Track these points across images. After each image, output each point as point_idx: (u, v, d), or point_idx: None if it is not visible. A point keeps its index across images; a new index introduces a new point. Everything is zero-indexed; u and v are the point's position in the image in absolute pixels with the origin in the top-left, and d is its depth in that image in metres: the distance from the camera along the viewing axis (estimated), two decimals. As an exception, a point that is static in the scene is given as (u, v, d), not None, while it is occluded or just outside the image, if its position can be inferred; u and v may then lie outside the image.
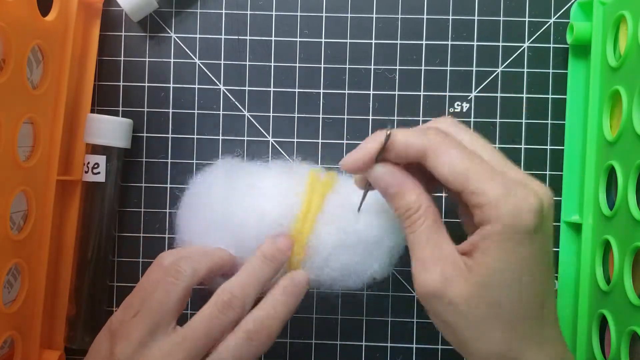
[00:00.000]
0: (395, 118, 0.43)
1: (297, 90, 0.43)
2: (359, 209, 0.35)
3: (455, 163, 0.29)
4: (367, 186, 0.34)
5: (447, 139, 0.30)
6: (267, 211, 0.35)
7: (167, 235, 0.43)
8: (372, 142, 0.31)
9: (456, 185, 0.29)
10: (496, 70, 0.43)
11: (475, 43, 0.43)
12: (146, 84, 0.44)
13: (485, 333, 0.29)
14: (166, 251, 0.36)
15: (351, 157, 0.32)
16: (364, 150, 0.31)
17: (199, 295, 0.37)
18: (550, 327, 0.30)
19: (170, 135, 0.44)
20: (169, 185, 0.43)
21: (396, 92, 0.43)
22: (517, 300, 0.29)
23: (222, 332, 0.32)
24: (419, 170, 0.31)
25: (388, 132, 0.30)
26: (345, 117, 0.43)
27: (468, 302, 0.29)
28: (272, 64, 0.43)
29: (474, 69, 0.43)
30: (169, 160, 0.43)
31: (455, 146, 0.30)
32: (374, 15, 0.43)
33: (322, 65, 0.43)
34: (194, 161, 0.43)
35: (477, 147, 0.31)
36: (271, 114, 0.43)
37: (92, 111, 0.43)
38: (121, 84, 0.44)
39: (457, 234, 0.43)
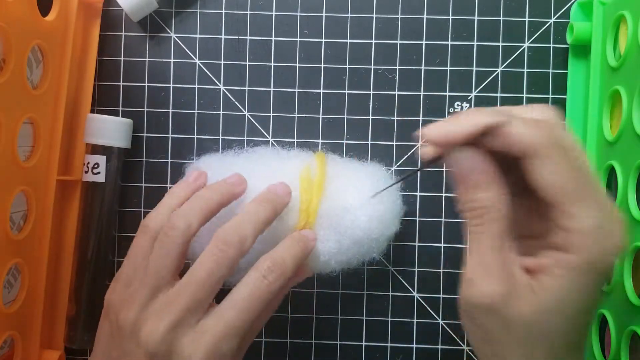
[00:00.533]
0: (395, 118, 0.43)
1: (297, 90, 0.43)
2: (373, 195, 0.36)
3: (559, 174, 0.26)
4: (426, 164, 0.30)
5: (559, 143, 0.26)
6: None
7: (167, 235, 0.43)
8: (474, 122, 0.27)
9: (551, 198, 0.26)
10: (496, 70, 0.43)
11: (475, 43, 0.43)
12: (146, 84, 0.44)
13: (529, 356, 0.27)
14: (149, 215, 0.35)
15: (442, 128, 0.28)
16: (461, 127, 0.27)
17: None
18: (582, 353, 0.29)
19: (170, 135, 0.44)
20: (169, 185, 0.43)
21: (396, 92, 0.43)
22: (572, 331, 0.27)
23: (224, 271, 0.32)
24: (500, 166, 0.28)
25: (498, 120, 0.27)
26: (345, 117, 0.43)
27: (523, 324, 0.27)
28: (272, 64, 0.43)
29: (474, 69, 0.43)
30: (169, 160, 0.43)
31: (564, 155, 0.26)
32: (374, 15, 0.43)
33: (322, 65, 0.43)
34: (194, 161, 0.43)
35: (580, 159, 0.27)
36: (271, 114, 0.43)
37: (92, 111, 0.43)
38: (121, 84, 0.44)
39: (457, 235, 0.43)
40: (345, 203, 0.36)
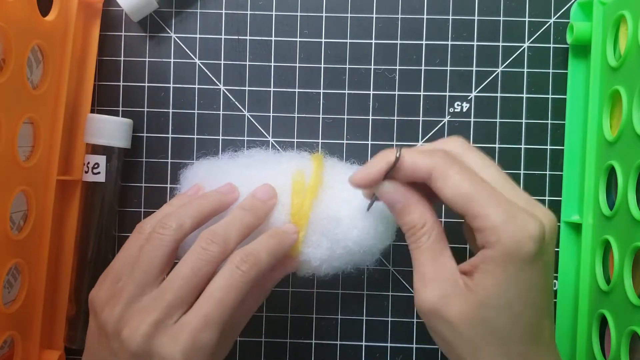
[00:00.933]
0: (395, 118, 0.43)
1: (297, 90, 0.43)
2: (368, 208, 0.36)
3: (458, 186, 0.30)
4: (372, 200, 0.35)
5: (453, 162, 0.30)
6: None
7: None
8: (381, 162, 0.32)
9: (459, 209, 0.30)
10: (496, 70, 0.43)
11: (475, 43, 0.43)
12: (146, 84, 0.44)
13: (480, 352, 0.30)
14: (145, 219, 0.35)
15: (360, 174, 0.32)
16: (373, 169, 0.32)
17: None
18: (546, 349, 0.31)
19: (170, 135, 0.44)
20: (169, 185, 0.43)
21: (396, 92, 0.43)
22: (513, 322, 0.29)
23: (207, 269, 0.32)
24: (427, 187, 0.32)
25: (398, 154, 0.31)
26: (345, 117, 0.43)
27: (465, 321, 0.29)
28: (272, 64, 0.43)
29: (474, 69, 0.43)
30: (169, 160, 0.43)
31: (459, 170, 0.30)
32: (374, 15, 0.43)
33: (322, 65, 0.43)
34: (194, 161, 0.43)
35: (485, 169, 0.31)
36: (271, 114, 0.43)
37: (92, 111, 0.43)
38: (121, 84, 0.44)
39: (456, 236, 0.43)
40: (338, 213, 0.36)
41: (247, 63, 0.43)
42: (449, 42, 0.43)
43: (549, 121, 0.43)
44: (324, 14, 0.43)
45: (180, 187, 0.40)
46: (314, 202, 0.36)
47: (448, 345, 0.31)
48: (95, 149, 0.41)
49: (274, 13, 0.43)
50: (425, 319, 0.31)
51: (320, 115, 0.43)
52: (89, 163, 0.41)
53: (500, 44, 0.43)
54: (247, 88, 0.43)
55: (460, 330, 0.29)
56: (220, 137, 0.43)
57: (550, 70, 0.43)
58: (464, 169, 0.30)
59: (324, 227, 0.36)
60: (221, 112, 0.43)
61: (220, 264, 0.33)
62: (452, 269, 0.31)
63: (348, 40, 0.43)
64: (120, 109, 0.44)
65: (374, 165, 0.32)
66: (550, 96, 0.43)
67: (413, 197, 0.32)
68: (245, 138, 0.43)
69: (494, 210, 0.29)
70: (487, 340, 0.29)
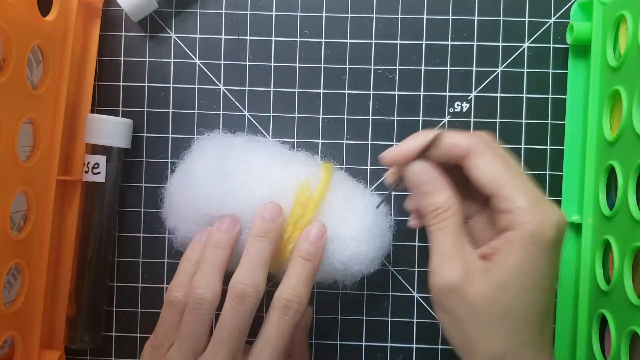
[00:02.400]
0: (395, 118, 0.43)
1: (297, 90, 0.43)
2: (377, 206, 0.37)
3: (493, 167, 0.31)
4: (393, 185, 0.36)
5: (490, 145, 0.32)
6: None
7: (167, 235, 0.43)
8: (418, 139, 0.33)
9: (489, 188, 0.31)
10: (496, 70, 0.43)
11: (475, 43, 0.43)
12: (146, 84, 0.44)
13: (493, 333, 0.30)
14: (172, 285, 0.36)
15: (393, 151, 0.34)
16: (408, 146, 0.33)
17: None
18: (547, 336, 0.32)
19: (170, 135, 0.44)
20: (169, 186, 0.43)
21: (396, 92, 0.43)
22: (529, 305, 0.30)
23: (247, 322, 0.34)
24: (452, 176, 0.33)
25: (437, 132, 0.33)
26: (345, 117, 0.43)
27: (484, 301, 0.30)
28: (272, 64, 0.43)
29: (474, 69, 0.43)
30: (169, 160, 0.43)
31: (495, 153, 0.32)
32: (374, 15, 0.43)
33: (322, 65, 0.43)
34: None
35: (511, 161, 0.33)
36: (271, 114, 0.43)
37: (92, 111, 0.43)
38: (121, 84, 0.44)
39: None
40: (334, 232, 0.36)
41: (247, 63, 0.43)
42: (449, 42, 0.43)
43: (549, 121, 0.43)
44: (324, 14, 0.43)
45: (188, 157, 0.39)
46: (313, 216, 0.36)
47: (459, 325, 0.31)
48: (95, 149, 0.41)
49: (274, 13, 0.43)
50: (440, 298, 0.31)
51: (320, 115, 0.43)
52: (89, 163, 0.41)
53: (500, 44, 0.43)
54: (247, 88, 0.43)
55: (478, 309, 0.30)
56: (220, 137, 0.43)
57: (550, 70, 0.43)
58: (497, 153, 0.32)
59: None
60: (221, 112, 0.43)
61: (255, 309, 0.34)
62: (472, 252, 0.32)
63: (348, 40, 0.43)
64: (120, 109, 0.44)
65: (409, 142, 0.34)
66: (550, 96, 0.43)
67: (442, 179, 0.33)
68: (245, 138, 0.43)
69: (523, 194, 0.30)
70: (501, 322, 0.30)
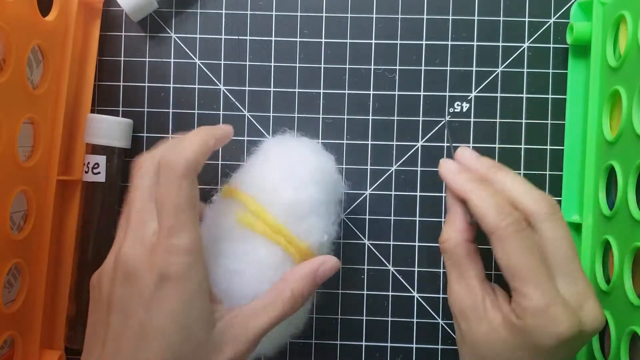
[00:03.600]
0: (395, 118, 0.43)
1: (297, 90, 0.43)
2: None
3: (513, 256, 0.31)
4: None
5: (519, 229, 0.31)
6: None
7: (167, 235, 0.43)
8: (455, 213, 0.35)
9: (506, 276, 0.31)
10: (496, 70, 0.43)
11: (475, 43, 0.43)
12: (146, 84, 0.44)
13: None
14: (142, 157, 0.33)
15: (450, 168, 0.36)
16: (462, 222, 0.35)
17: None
18: None
19: (170, 136, 0.44)
20: (169, 185, 0.43)
21: (396, 92, 0.43)
22: None
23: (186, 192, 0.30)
24: None
25: (472, 218, 0.34)
26: (345, 117, 0.43)
27: (473, 342, 0.33)
28: (272, 64, 0.43)
29: (474, 69, 0.43)
30: (169, 160, 0.43)
31: (520, 238, 0.31)
32: (374, 15, 0.43)
33: (322, 65, 0.43)
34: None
35: (557, 242, 0.32)
36: (271, 114, 0.43)
37: (92, 111, 0.43)
38: (121, 84, 0.44)
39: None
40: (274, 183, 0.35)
41: (247, 63, 0.43)
42: (449, 42, 0.43)
43: (549, 121, 0.43)
44: (324, 14, 0.43)
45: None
46: (267, 213, 0.35)
47: (460, 346, 0.35)
48: (95, 149, 0.41)
49: (274, 13, 0.43)
50: (452, 314, 0.34)
51: (320, 115, 0.43)
52: (89, 163, 0.41)
53: (500, 44, 0.43)
54: (247, 88, 0.43)
55: (468, 345, 0.33)
56: (220, 137, 0.43)
57: (550, 70, 0.43)
58: (525, 237, 0.31)
59: (290, 205, 0.35)
60: (221, 112, 0.43)
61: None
62: (477, 291, 0.33)
63: (348, 40, 0.43)
64: (120, 109, 0.44)
65: (462, 221, 0.35)
66: (550, 96, 0.43)
67: (455, 211, 0.35)
68: (246, 138, 0.43)
69: (536, 295, 0.30)
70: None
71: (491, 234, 0.31)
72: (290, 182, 0.35)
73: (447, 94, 0.43)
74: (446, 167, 0.36)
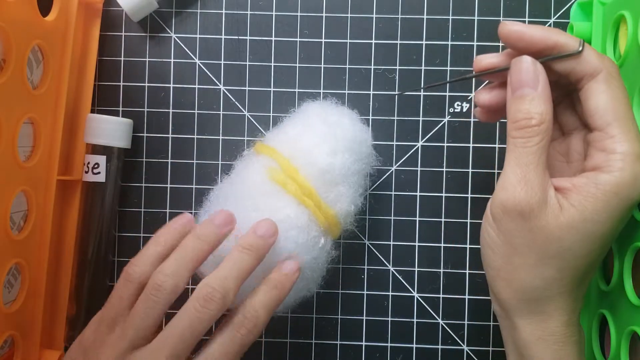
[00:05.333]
0: (395, 118, 0.43)
1: (297, 90, 0.43)
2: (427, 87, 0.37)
3: (613, 101, 0.29)
4: (481, 73, 0.33)
5: (617, 78, 0.29)
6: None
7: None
8: (553, 34, 0.30)
9: (600, 121, 0.29)
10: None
11: (475, 43, 0.43)
12: (146, 84, 0.44)
13: (539, 268, 0.29)
14: (134, 260, 0.33)
15: (521, 27, 0.30)
16: (540, 34, 0.30)
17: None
18: (583, 291, 0.31)
19: (170, 135, 0.44)
20: (169, 185, 0.43)
21: (396, 92, 0.43)
22: (587, 254, 0.29)
23: (205, 326, 0.31)
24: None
25: (581, 48, 0.29)
26: (345, 117, 0.43)
27: (546, 236, 0.29)
28: (272, 64, 0.43)
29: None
30: (169, 160, 0.43)
31: (618, 85, 0.29)
32: (374, 15, 0.43)
33: (322, 65, 0.43)
34: (194, 161, 0.43)
35: (626, 92, 0.30)
36: (271, 114, 0.43)
37: (92, 111, 0.43)
38: (121, 84, 0.44)
39: (457, 236, 0.43)
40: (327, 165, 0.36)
41: (247, 63, 0.43)
42: (449, 42, 0.43)
43: (549, 121, 0.43)
44: (324, 14, 0.43)
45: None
46: (300, 176, 0.35)
47: (508, 250, 0.30)
48: (95, 149, 0.41)
49: (274, 13, 0.43)
50: (502, 217, 0.30)
51: (320, 115, 0.43)
52: (89, 163, 0.41)
53: (500, 44, 0.43)
54: (247, 88, 0.43)
55: (536, 242, 0.29)
56: (220, 137, 0.43)
57: (550, 70, 0.43)
58: (622, 89, 0.29)
59: (338, 177, 0.36)
60: (221, 112, 0.43)
61: (217, 317, 0.32)
62: (550, 182, 0.29)
63: (348, 40, 0.43)
64: (120, 109, 0.44)
65: (539, 31, 0.30)
66: (550, 96, 0.43)
67: (548, 89, 0.30)
68: (245, 138, 0.43)
69: (630, 141, 0.28)
70: (553, 261, 0.29)
71: (592, 75, 0.29)
72: (327, 147, 0.36)
73: (447, 94, 0.43)
74: (512, 25, 0.30)
